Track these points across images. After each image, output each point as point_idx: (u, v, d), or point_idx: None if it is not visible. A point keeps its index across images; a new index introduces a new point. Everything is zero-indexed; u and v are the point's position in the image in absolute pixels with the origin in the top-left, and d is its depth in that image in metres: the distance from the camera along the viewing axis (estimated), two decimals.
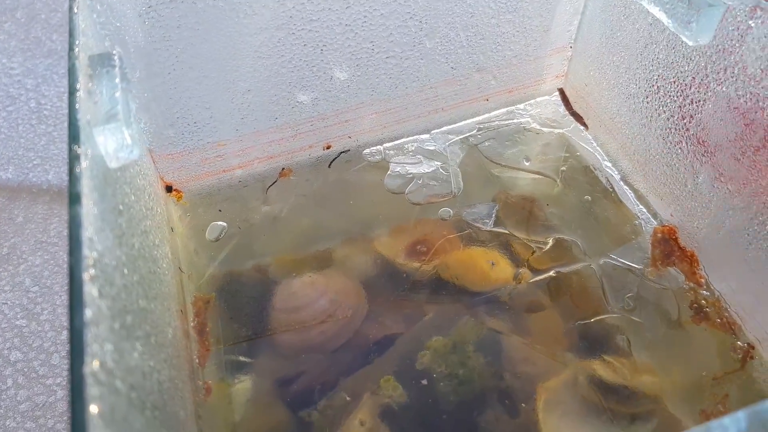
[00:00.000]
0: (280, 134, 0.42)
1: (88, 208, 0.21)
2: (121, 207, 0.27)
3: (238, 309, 0.39)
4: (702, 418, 0.34)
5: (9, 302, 0.53)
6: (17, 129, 0.65)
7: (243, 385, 0.36)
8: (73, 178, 0.22)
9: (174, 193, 0.41)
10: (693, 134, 0.36)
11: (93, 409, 0.17)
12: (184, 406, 0.30)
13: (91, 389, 0.17)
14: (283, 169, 0.44)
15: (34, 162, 0.62)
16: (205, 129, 0.39)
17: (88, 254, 0.20)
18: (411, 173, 0.44)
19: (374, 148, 0.45)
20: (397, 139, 0.46)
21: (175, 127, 0.38)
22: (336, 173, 0.45)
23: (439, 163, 0.45)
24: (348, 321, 0.39)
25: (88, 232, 0.21)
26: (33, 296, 0.53)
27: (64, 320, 0.51)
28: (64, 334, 0.50)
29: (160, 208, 0.38)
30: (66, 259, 0.55)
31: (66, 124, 0.65)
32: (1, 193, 0.60)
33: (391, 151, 0.45)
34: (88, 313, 0.19)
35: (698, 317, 0.37)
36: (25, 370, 0.49)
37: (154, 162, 0.39)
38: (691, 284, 0.37)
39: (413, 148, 0.45)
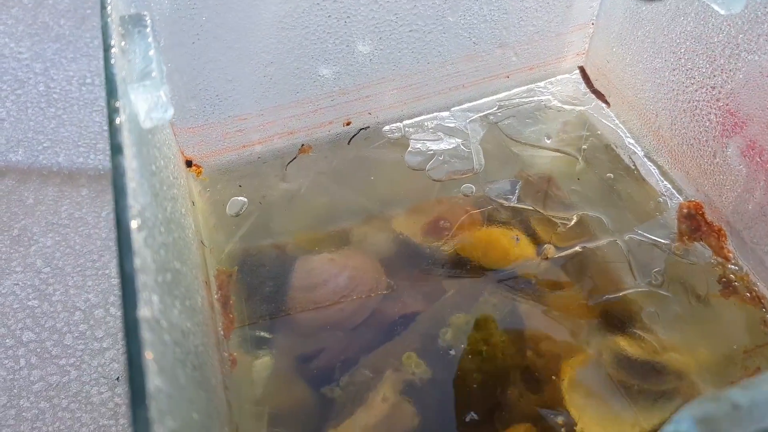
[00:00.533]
0: (300, 109, 0.42)
1: (129, 159, 0.21)
2: (153, 167, 0.26)
3: (258, 285, 0.38)
4: None
5: (20, 283, 0.52)
6: (26, 112, 0.64)
7: (263, 361, 0.36)
8: (113, 129, 0.21)
9: (194, 168, 0.41)
10: (722, 105, 0.35)
11: (148, 354, 0.17)
12: (214, 374, 0.30)
13: (145, 333, 0.17)
14: (302, 145, 0.43)
15: (44, 144, 0.61)
16: (226, 102, 0.39)
17: (133, 204, 0.20)
18: (432, 150, 0.44)
19: (394, 125, 0.45)
20: (416, 116, 0.45)
21: (198, 100, 0.38)
22: (355, 150, 0.44)
23: (459, 140, 0.44)
24: (367, 298, 0.38)
25: (132, 182, 0.20)
26: (45, 277, 0.52)
27: (77, 301, 0.51)
28: (77, 315, 0.50)
29: (183, 181, 0.37)
30: (77, 241, 0.54)
31: (75, 108, 0.64)
32: (11, 175, 0.59)
33: (411, 129, 0.45)
34: (137, 261, 0.18)
35: (727, 292, 0.36)
36: (38, 350, 0.48)
37: (175, 135, 0.39)
38: (719, 259, 0.37)
39: (433, 125, 0.45)
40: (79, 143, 0.61)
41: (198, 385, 0.23)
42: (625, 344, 0.36)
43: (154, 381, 0.16)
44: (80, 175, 0.59)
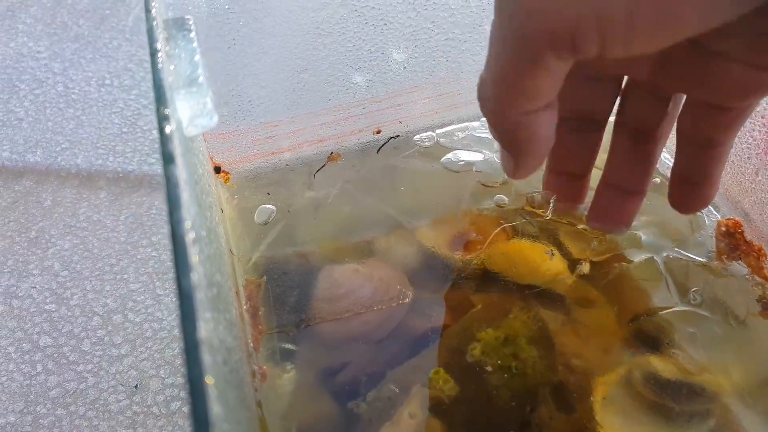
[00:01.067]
0: (331, 116, 0.41)
1: (180, 169, 0.20)
2: (195, 177, 0.25)
3: (282, 295, 0.37)
4: None
5: (38, 286, 0.51)
6: (45, 112, 0.63)
7: (290, 374, 0.35)
8: (164, 138, 0.21)
9: (222, 174, 0.40)
10: (767, 122, 0.35)
11: (208, 380, 0.16)
12: (249, 389, 0.29)
13: (205, 356, 0.16)
14: (331, 153, 0.43)
15: (63, 146, 0.61)
16: (258, 108, 0.38)
17: (186, 216, 0.19)
18: (463, 160, 0.43)
19: (425, 134, 0.44)
20: (447, 125, 0.44)
21: (230, 105, 0.37)
22: (384, 159, 0.44)
23: (489, 152, 0.44)
24: (392, 311, 0.38)
25: (185, 193, 0.19)
26: (62, 281, 0.51)
27: (95, 306, 0.50)
28: (95, 320, 0.49)
29: (214, 188, 0.37)
30: (95, 244, 0.53)
31: (94, 109, 0.64)
32: (29, 176, 0.58)
33: (443, 138, 0.44)
34: (194, 277, 0.17)
35: (766, 313, 0.36)
36: (56, 355, 0.47)
37: (204, 141, 0.38)
38: (759, 279, 0.36)
39: (464, 135, 0.44)
40: (98, 145, 0.61)
41: (242, 404, 0.23)
42: (659, 364, 0.35)
43: (214, 408, 0.16)
44: (99, 177, 0.58)
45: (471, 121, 0.45)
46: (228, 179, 0.40)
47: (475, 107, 0.44)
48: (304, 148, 0.42)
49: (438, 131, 0.44)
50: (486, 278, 0.39)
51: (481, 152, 0.44)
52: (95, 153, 0.60)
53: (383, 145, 0.44)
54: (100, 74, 0.68)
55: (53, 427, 0.44)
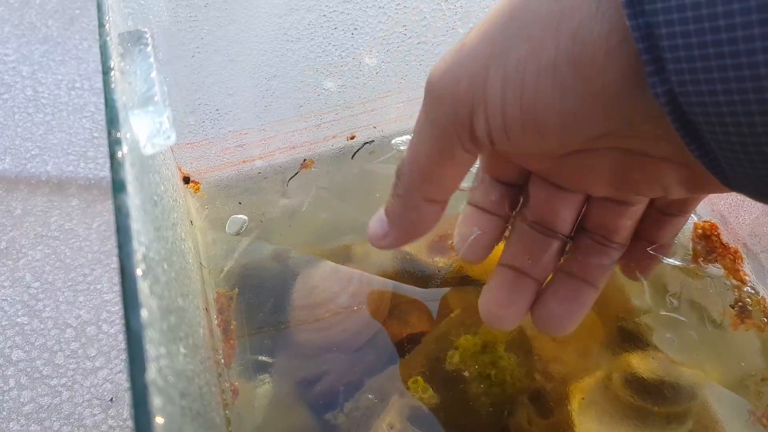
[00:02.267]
0: (303, 123, 0.40)
1: (132, 197, 0.19)
2: (155, 197, 0.25)
3: (258, 306, 0.37)
4: (754, 419, 0.32)
5: (9, 298, 0.50)
6: (13, 117, 0.62)
7: (264, 387, 0.34)
8: (115, 164, 0.20)
9: (192, 184, 0.39)
10: None
11: (159, 420, 0.15)
12: (218, 412, 0.28)
13: (154, 398, 0.15)
14: (304, 160, 0.42)
15: (32, 152, 0.59)
16: (227, 117, 0.37)
17: (137, 248, 0.18)
18: None
19: (399, 138, 0.43)
20: None
21: (196, 115, 0.36)
22: (359, 165, 0.43)
23: None
24: (370, 318, 0.37)
25: (135, 223, 0.19)
26: (34, 292, 0.50)
27: (68, 317, 0.49)
28: (68, 332, 0.48)
29: (181, 200, 0.36)
30: (68, 254, 0.52)
31: (64, 113, 0.62)
32: None
33: None
34: (144, 313, 0.17)
35: (742, 316, 0.35)
36: (28, 370, 0.46)
37: (172, 151, 0.37)
38: (735, 282, 0.36)
39: None
40: (69, 151, 0.59)
41: None
42: (637, 366, 0.35)
43: None
44: (70, 184, 0.57)
45: None
46: (198, 189, 0.39)
47: None
48: (276, 155, 0.41)
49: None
50: (463, 282, 0.38)
51: None
52: (66, 159, 0.59)
53: (358, 150, 0.43)
54: (70, 77, 0.66)
55: None
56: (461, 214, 0.31)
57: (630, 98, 0.18)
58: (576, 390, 0.35)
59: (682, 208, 0.28)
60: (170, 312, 0.21)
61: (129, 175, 0.20)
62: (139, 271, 0.18)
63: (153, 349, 0.17)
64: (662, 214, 0.28)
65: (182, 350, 0.21)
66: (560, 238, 0.28)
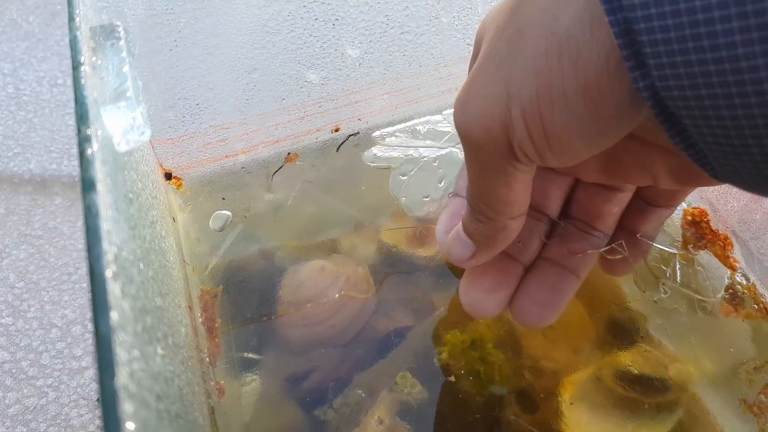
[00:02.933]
0: (286, 116, 0.39)
1: (103, 195, 0.19)
2: (131, 195, 0.24)
3: (244, 303, 0.36)
4: (744, 407, 0.32)
5: None
6: None
7: (252, 384, 0.34)
8: (84, 162, 0.19)
9: (174, 180, 0.39)
10: None
11: (129, 426, 0.15)
12: (201, 411, 0.28)
13: (125, 404, 0.15)
14: (288, 153, 0.41)
15: (15, 150, 0.58)
16: (207, 111, 0.37)
17: (108, 249, 0.18)
18: (425, 156, 0.42)
19: (385, 130, 0.43)
20: (408, 120, 0.43)
21: (176, 109, 0.36)
22: (344, 158, 0.42)
23: (452, 145, 0.43)
24: (357, 314, 0.37)
25: (106, 223, 0.18)
26: (18, 292, 0.50)
27: (53, 317, 0.48)
28: (53, 332, 0.48)
29: (162, 196, 0.35)
30: (52, 253, 0.52)
31: (47, 110, 0.61)
32: None
33: (402, 134, 0.43)
34: (114, 316, 0.16)
35: (733, 303, 0.35)
36: (14, 371, 0.46)
37: (152, 147, 0.37)
38: (725, 268, 0.36)
39: (425, 130, 0.43)
40: (52, 148, 0.58)
41: None
42: (627, 357, 0.35)
43: None
44: (53, 182, 0.56)
45: (432, 114, 0.44)
46: (180, 185, 0.39)
47: (436, 101, 0.44)
48: (260, 149, 0.40)
49: (398, 126, 0.43)
50: (449, 275, 0.38)
51: (442, 146, 0.43)
52: (49, 157, 0.58)
53: (343, 143, 0.42)
54: (52, 73, 0.65)
55: None
56: (445, 207, 0.30)
57: (639, 110, 0.18)
58: (567, 383, 0.34)
59: (669, 200, 0.28)
60: (146, 312, 0.21)
61: (99, 173, 0.19)
62: (109, 273, 0.17)
63: (125, 352, 0.16)
64: (648, 205, 0.28)
65: (160, 351, 0.21)
66: (548, 220, 0.29)
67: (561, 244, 0.29)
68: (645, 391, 0.34)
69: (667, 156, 0.23)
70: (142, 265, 0.22)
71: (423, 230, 0.40)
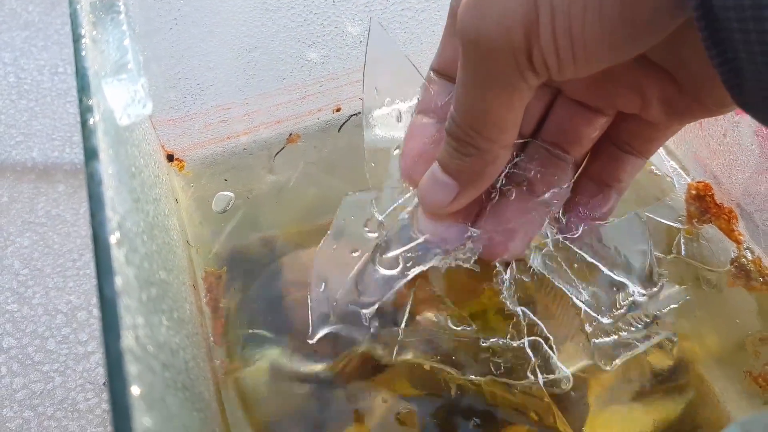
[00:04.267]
0: (287, 96, 0.39)
1: (105, 164, 0.19)
2: (133, 169, 0.24)
3: (248, 284, 0.36)
4: (749, 379, 0.32)
5: None
6: None
7: (258, 363, 0.34)
8: (86, 131, 0.19)
9: (176, 162, 0.39)
10: None
11: (134, 390, 0.15)
12: (207, 387, 0.28)
13: (130, 366, 0.15)
14: (290, 134, 0.41)
15: (17, 139, 0.58)
16: (208, 91, 0.36)
17: (112, 216, 0.17)
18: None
19: (386, 109, 0.43)
20: (410, 99, 0.43)
21: (177, 90, 0.36)
22: (346, 138, 0.42)
23: None
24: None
25: (109, 191, 0.18)
26: (23, 279, 0.50)
27: (58, 303, 0.48)
28: (59, 318, 0.48)
29: (165, 177, 0.35)
30: (56, 240, 0.52)
31: (48, 99, 0.61)
32: None
33: (403, 114, 0.43)
34: (119, 281, 0.16)
35: (739, 276, 0.35)
36: (20, 356, 0.46)
37: (154, 128, 0.37)
38: (730, 242, 0.36)
39: None
40: (54, 136, 0.58)
41: (191, 407, 0.21)
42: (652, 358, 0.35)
43: (142, 421, 0.14)
44: (56, 170, 0.56)
45: None
46: (182, 167, 0.39)
47: None
48: (261, 130, 0.40)
49: (400, 105, 0.43)
50: None
51: None
52: (51, 145, 0.58)
53: (344, 123, 0.42)
54: (53, 62, 0.65)
55: (21, 430, 0.43)
56: (408, 128, 0.28)
57: (677, 15, 0.17)
58: (594, 384, 0.34)
59: (644, 145, 0.27)
60: (151, 284, 0.21)
61: (102, 142, 0.19)
62: (113, 239, 0.17)
63: (129, 317, 0.16)
64: (620, 151, 0.27)
65: (165, 322, 0.21)
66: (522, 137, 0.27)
67: (527, 165, 0.27)
68: (654, 372, 0.33)
69: (665, 80, 0.22)
70: (146, 238, 0.22)
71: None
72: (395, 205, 0.30)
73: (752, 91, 0.16)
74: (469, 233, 0.28)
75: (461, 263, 0.29)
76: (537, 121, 0.27)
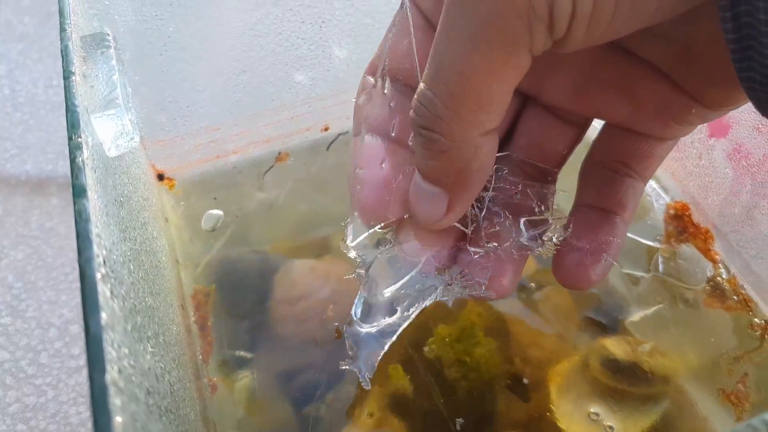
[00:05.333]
0: (276, 116, 0.40)
1: (93, 201, 0.20)
2: (121, 198, 0.25)
3: (237, 301, 0.37)
4: (723, 396, 0.33)
5: None
6: None
7: (246, 381, 0.35)
8: (75, 168, 0.20)
9: (166, 181, 0.39)
10: None
11: (118, 420, 0.16)
12: (193, 407, 0.28)
13: (114, 399, 0.16)
14: (279, 153, 0.42)
15: (12, 152, 0.59)
16: (198, 113, 0.37)
17: (98, 252, 0.18)
18: None
19: None
20: None
21: (167, 112, 0.36)
22: (335, 156, 0.43)
23: None
24: (349, 310, 0.37)
25: (96, 227, 0.19)
26: (17, 293, 0.51)
27: (51, 317, 0.49)
28: (52, 332, 0.48)
29: (155, 197, 0.36)
30: (49, 253, 0.52)
31: (42, 112, 0.62)
32: None
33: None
34: (104, 316, 0.17)
35: (714, 295, 0.36)
36: (13, 370, 0.47)
37: (144, 149, 0.37)
38: (707, 261, 0.37)
39: None
40: (48, 149, 0.59)
41: (175, 430, 0.22)
42: (613, 348, 0.36)
43: None
44: (50, 183, 0.57)
45: None
46: (173, 186, 0.40)
47: None
48: (251, 149, 0.41)
49: None
50: None
51: None
52: (45, 158, 0.59)
53: (333, 141, 0.43)
54: (48, 74, 0.66)
55: None
56: (357, 153, 0.24)
57: None
58: (554, 374, 0.35)
59: (639, 166, 0.24)
60: (136, 312, 0.21)
61: (90, 179, 0.20)
62: (98, 276, 0.18)
63: (114, 351, 0.17)
64: (616, 174, 0.24)
65: (150, 349, 0.22)
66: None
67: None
68: (631, 382, 0.34)
69: (658, 79, 0.20)
70: (132, 267, 0.23)
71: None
72: (370, 232, 0.25)
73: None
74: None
75: (473, 293, 0.25)
76: (504, 134, 0.24)
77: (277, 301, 0.38)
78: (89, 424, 0.44)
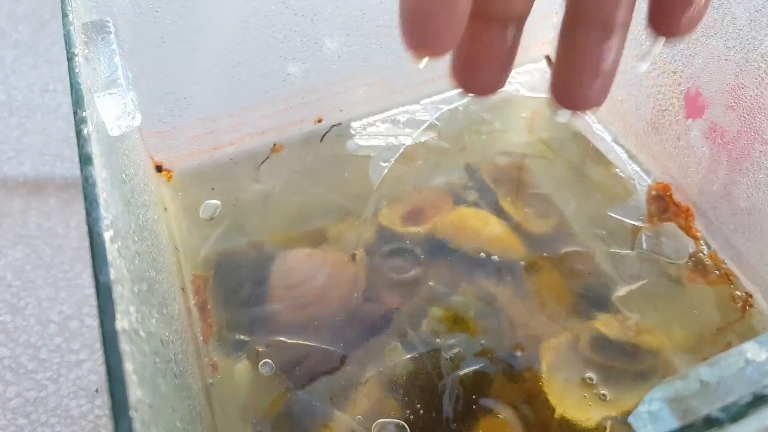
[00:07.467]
0: (271, 108, 0.41)
1: (99, 170, 0.21)
2: (123, 176, 0.26)
3: (235, 288, 0.38)
4: None
5: None
6: None
7: (245, 365, 0.36)
8: (81, 139, 0.21)
9: (164, 172, 0.40)
10: (684, 89, 0.36)
11: (128, 365, 0.17)
12: (195, 381, 0.29)
13: (124, 345, 0.17)
14: (274, 144, 0.43)
15: (8, 155, 0.60)
16: (195, 104, 0.38)
17: (105, 215, 0.19)
18: (404, 144, 0.44)
19: (365, 120, 0.45)
20: (387, 110, 0.45)
21: (165, 104, 0.37)
22: (328, 148, 0.44)
23: (433, 134, 0.45)
24: (347, 295, 0.38)
25: (104, 193, 0.20)
26: (16, 291, 0.51)
27: (50, 314, 0.50)
28: (51, 328, 0.49)
29: (154, 186, 0.37)
30: (48, 252, 0.53)
31: (38, 116, 0.63)
32: None
33: (381, 124, 0.45)
34: (113, 272, 0.18)
35: (696, 270, 0.37)
36: (13, 365, 0.47)
37: (143, 140, 0.38)
38: (689, 238, 0.38)
39: (404, 119, 0.45)
40: (44, 152, 0.60)
41: (180, 393, 0.23)
42: (602, 326, 0.37)
43: (135, 392, 0.16)
44: (47, 184, 0.58)
45: (411, 104, 0.46)
46: (171, 177, 0.41)
47: (414, 91, 0.46)
48: (246, 141, 0.42)
49: (377, 116, 0.45)
50: (435, 253, 0.40)
51: (422, 134, 0.45)
52: (42, 160, 0.59)
53: (326, 133, 0.44)
54: (43, 80, 0.67)
55: None
56: None
57: None
58: (545, 351, 0.36)
59: None
60: (142, 279, 0.22)
61: (95, 149, 0.21)
62: (107, 236, 0.19)
63: (123, 304, 0.18)
64: None
65: (155, 315, 0.23)
66: None
67: None
68: (621, 359, 0.35)
69: None
70: (136, 238, 0.24)
71: (416, 208, 0.42)
72: None
73: None
74: None
75: None
76: None
77: (275, 287, 0.39)
78: (90, 417, 0.45)
